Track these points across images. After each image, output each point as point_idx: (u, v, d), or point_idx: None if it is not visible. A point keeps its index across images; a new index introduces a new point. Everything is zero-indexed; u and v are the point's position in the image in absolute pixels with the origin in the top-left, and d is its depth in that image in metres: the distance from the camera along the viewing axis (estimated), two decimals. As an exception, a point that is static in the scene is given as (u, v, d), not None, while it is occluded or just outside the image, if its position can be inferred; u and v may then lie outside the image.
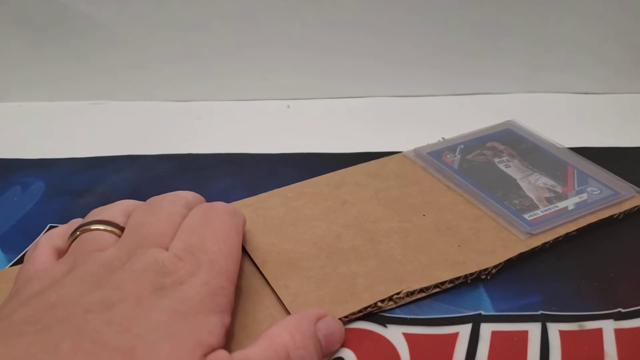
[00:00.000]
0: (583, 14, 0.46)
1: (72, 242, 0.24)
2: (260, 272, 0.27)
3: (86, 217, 0.26)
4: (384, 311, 0.26)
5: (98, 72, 0.51)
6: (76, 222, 0.25)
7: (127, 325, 0.18)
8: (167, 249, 0.22)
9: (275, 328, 0.21)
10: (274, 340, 0.20)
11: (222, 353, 0.19)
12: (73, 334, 0.18)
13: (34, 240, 0.32)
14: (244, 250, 0.28)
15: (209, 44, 0.49)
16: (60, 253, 0.24)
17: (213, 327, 0.20)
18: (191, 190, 0.28)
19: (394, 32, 0.48)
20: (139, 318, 0.19)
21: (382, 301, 0.25)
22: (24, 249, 0.32)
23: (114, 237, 0.24)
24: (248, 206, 0.32)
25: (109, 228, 0.24)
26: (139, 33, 0.49)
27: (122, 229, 0.24)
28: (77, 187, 0.38)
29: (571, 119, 0.45)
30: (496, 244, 0.28)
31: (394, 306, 0.26)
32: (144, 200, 0.27)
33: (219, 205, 0.26)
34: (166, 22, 0.48)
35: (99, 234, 0.23)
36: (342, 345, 0.24)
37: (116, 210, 0.25)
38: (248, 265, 0.28)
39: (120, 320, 0.18)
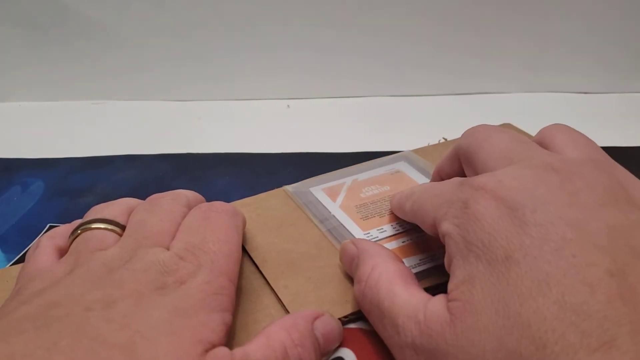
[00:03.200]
0: (583, 14, 0.46)
1: (73, 240, 0.24)
2: (260, 272, 0.27)
3: (87, 214, 0.26)
4: (384, 311, 0.26)
5: (98, 72, 0.51)
6: (78, 222, 0.25)
7: (126, 322, 0.18)
8: (167, 248, 0.22)
9: (273, 326, 0.21)
10: (271, 338, 0.20)
11: (223, 350, 0.19)
12: (72, 331, 0.18)
13: (33, 240, 0.32)
14: (244, 249, 0.28)
15: (209, 44, 0.49)
16: (62, 252, 0.24)
17: (214, 324, 0.20)
18: (191, 190, 0.28)
19: (394, 32, 0.48)
20: (139, 315, 0.19)
21: (382, 301, 0.25)
22: (24, 249, 0.32)
23: (115, 236, 0.23)
24: (248, 206, 0.32)
25: (109, 227, 0.24)
26: (139, 33, 0.49)
27: (123, 228, 0.24)
28: (77, 186, 0.38)
29: (571, 118, 0.45)
30: None
31: (393, 306, 0.26)
32: (144, 200, 0.27)
33: (219, 205, 0.26)
34: (166, 22, 0.49)
35: (100, 233, 0.23)
36: (342, 345, 0.24)
37: (117, 208, 0.25)
38: (248, 264, 0.28)
39: (120, 317, 0.18)
